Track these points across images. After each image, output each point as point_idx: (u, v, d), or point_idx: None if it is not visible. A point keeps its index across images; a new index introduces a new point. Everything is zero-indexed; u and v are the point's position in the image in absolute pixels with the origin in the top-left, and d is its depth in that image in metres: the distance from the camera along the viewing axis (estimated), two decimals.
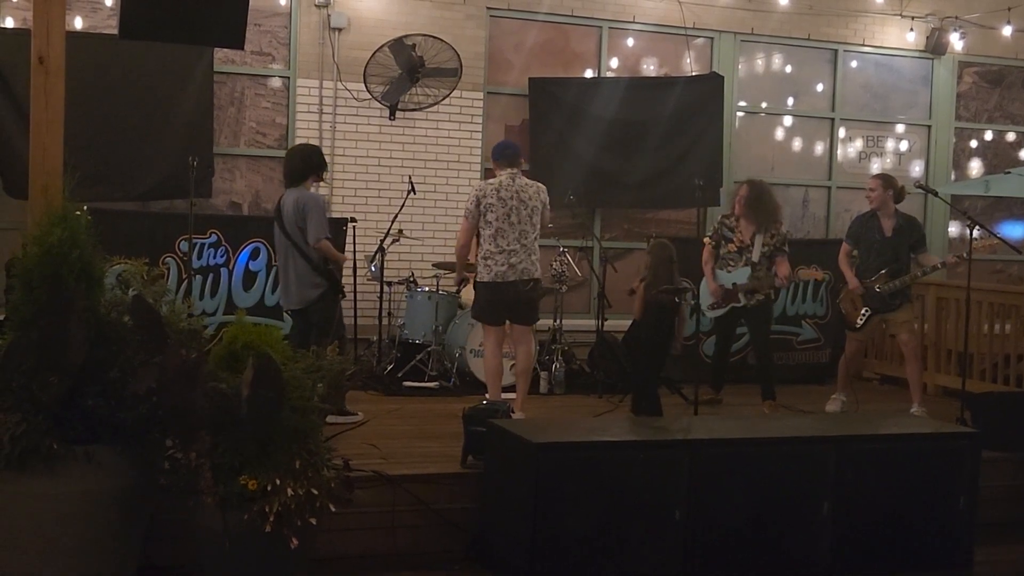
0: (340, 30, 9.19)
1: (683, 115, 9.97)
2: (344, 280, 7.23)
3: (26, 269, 4.59)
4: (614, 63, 10.18)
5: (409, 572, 5.38)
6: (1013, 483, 6.69)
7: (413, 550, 5.48)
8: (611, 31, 10.09)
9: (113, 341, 4.65)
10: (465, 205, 7.04)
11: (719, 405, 8.01)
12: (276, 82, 9.33)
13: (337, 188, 9.26)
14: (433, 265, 8.97)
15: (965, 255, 7.35)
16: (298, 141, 8.89)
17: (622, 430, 6.23)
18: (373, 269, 8.50)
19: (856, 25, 10.72)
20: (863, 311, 7.63)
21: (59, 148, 5.00)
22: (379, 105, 9.26)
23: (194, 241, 7.97)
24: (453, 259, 9.15)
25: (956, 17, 10.75)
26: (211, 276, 8.20)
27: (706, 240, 8.07)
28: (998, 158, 11.52)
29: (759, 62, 10.72)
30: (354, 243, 8.42)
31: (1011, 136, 11.63)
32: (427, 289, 8.73)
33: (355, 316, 8.26)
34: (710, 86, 10.13)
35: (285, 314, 7.27)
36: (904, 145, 11.18)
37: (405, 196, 8.71)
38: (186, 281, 8.01)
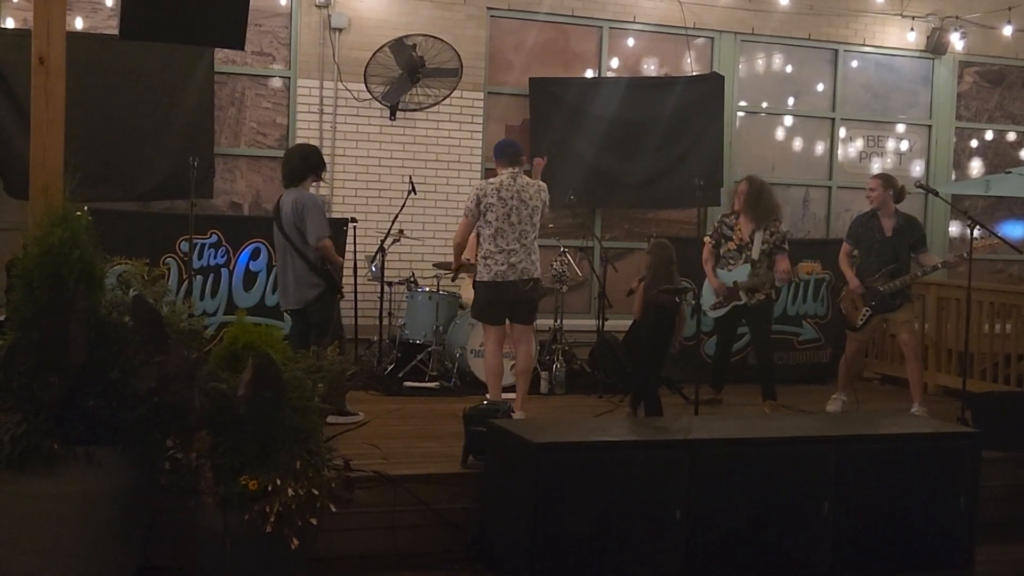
0: (340, 30, 9.20)
1: (683, 115, 9.97)
2: (344, 280, 7.23)
3: (27, 269, 4.59)
4: (614, 63, 10.18)
5: (409, 572, 5.38)
6: (1014, 483, 6.68)
7: (413, 550, 5.48)
8: (611, 31, 10.09)
9: (114, 341, 4.66)
10: (465, 203, 7.04)
11: (719, 405, 8.01)
12: (277, 82, 9.33)
13: (338, 188, 9.26)
14: (434, 265, 8.97)
15: (965, 255, 7.35)
16: (299, 141, 8.88)
17: (622, 430, 6.23)
18: (374, 269, 8.50)
19: (856, 25, 10.72)
20: (864, 311, 7.63)
21: (60, 148, 5.00)
22: (380, 105, 9.27)
23: (195, 241, 7.98)
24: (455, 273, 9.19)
25: (956, 17, 10.75)
26: (212, 276, 8.20)
27: (706, 239, 8.08)
28: (999, 158, 11.52)
29: (759, 62, 10.72)
30: (355, 243, 8.42)
31: (1011, 136, 11.63)
32: (428, 289, 8.73)
33: (356, 316, 8.27)
34: (710, 86, 10.14)
35: (285, 314, 7.27)
36: (905, 145, 11.18)
37: (406, 196, 8.71)
38: (187, 281, 8.01)
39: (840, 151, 10.92)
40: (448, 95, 9.35)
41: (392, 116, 9.30)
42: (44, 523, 4.43)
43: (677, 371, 8.26)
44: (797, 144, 10.86)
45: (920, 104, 11.19)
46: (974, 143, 11.50)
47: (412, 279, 8.89)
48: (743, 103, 10.56)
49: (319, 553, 4.95)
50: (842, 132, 10.92)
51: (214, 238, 8.20)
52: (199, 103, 8.75)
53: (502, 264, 6.80)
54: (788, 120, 10.81)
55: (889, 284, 7.51)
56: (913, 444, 5.84)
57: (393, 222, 8.60)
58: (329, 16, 9.16)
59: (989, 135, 11.51)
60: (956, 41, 10.78)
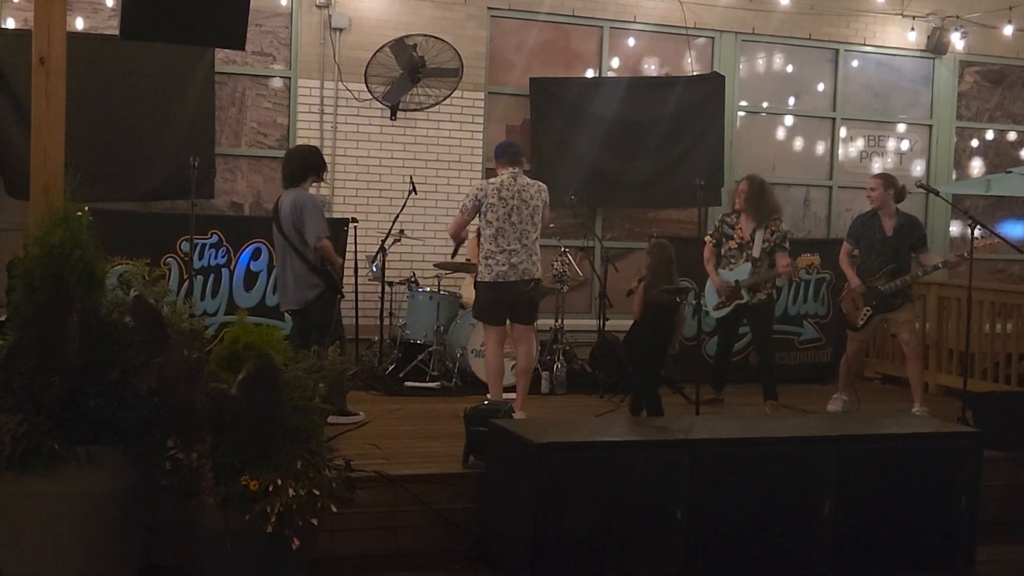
0: (341, 30, 9.20)
1: (684, 115, 9.97)
2: (345, 280, 7.23)
3: (27, 270, 4.59)
4: (615, 63, 10.18)
5: (410, 572, 5.38)
6: (1015, 482, 6.67)
7: (414, 550, 5.48)
8: (612, 31, 10.09)
9: (114, 342, 4.66)
10: (463, 201, 7.01)
11: (720, 405, 8.01)
12: (277, 82, 9.33)
13: (338, 188, 9.27)
14: (434, 265, 8.96)
15: (966, 254, 7.34)
16: (299, 141, 8.90)
17: (623, 430, 6.22)
18: (374, 269, 8.50)
19: (857, 25, 10.72)
20: (864, 311, 7.63)
21: (60, 149, 5.00)
22: (380, 105, 9.27)
23: (195, 241, 7.98)
24: (454, 260, 9.19)
25: (957, 16, 10.75)
26: (212, 276, 8.20)
27: (707, 239, 8.08)
28: (999, 157, 11.52)
29: (760, 62, 10.72)
30: (355, 243, 8.42)
31: (1012, 135, 11.63)
32: (428, 289, 8.73)
33: (356, 316, 8.27)
34: (711, 86, 10.14)
35: (285, 314, 7.27)
36: (905, 145, 11.18)
37: (406, 196, 8.71)
38: (187, 281, 8.02)
39: (841, 151, 10.92)
40: (449, 95, 9.35)
41: (393, 116, 9.30)
42: (45, 523, 4.43)
43: (678, 371, 8.26)
44: (798, 144, 10.86)
45: (921, 104, 11.19)
46: (975, 143, 11.50)
47: (413, 279, 8.89)
48: (744, 103, 10.56)
49: (320, 553, 4.95)
50: (843, 132, 10.92)
51: (215, 238, 8.20)
52: (200, 103, 8.75)
53: (503, 264, 6.80)
54: (789, 120, 10.81)
55: (890, 284, 7.51)
56: (914, 444, 5.84)
57: (394, 222, 8.60)
58: (329, 16, 9.16)
59: (990, 135, 11.51)
60: (957, 41, 10.78)
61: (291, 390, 4.66)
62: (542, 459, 5.03)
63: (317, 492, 4.53)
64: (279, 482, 4.45)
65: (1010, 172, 10.23)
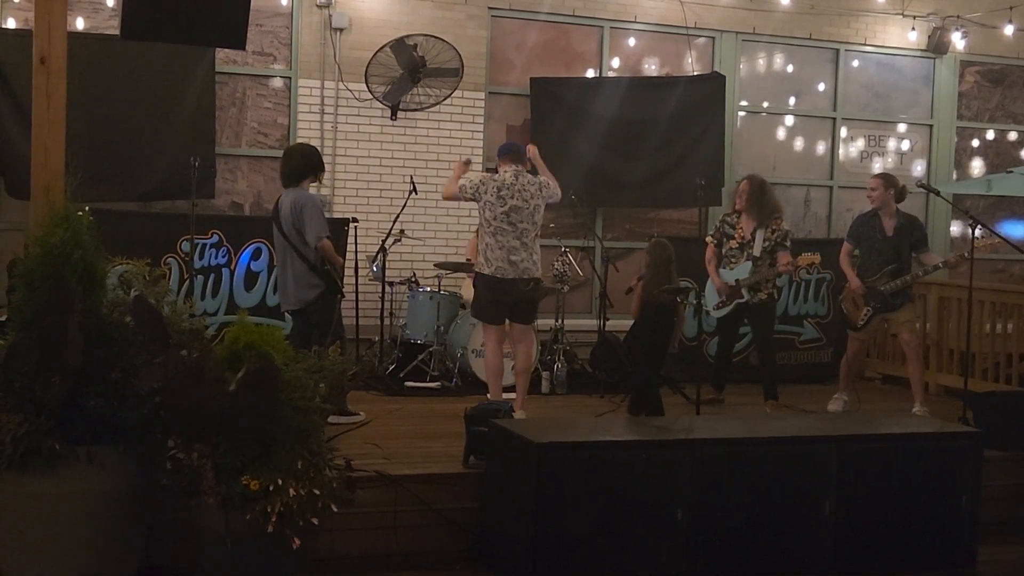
0: (341, 30, 9.20)
1: (684, 115, 9.97)
2: (346, 280, 7.23)
3: (28, 270, 4.60)
4: (615, 63, 10.18)
5: (411, 572, 5.38)
6: (1015, 482, 6.68)
7: (415, 550, 5.48)
8: (612, 31, 10.09)
9: (115, 342, 4.66)
10: (465, 183, 7.00)
11: (721, 405, 8.01)
12: (278, 82, 9.33)
13: (339, 188, 9.27)
14: (435, 265, 8.97)
15: (967, 254, 7.34)
16: (299, 141, 8.88)
17: (624, 430, 6.23)
18: (375, 269, 8.50)
19: (858, 24, 10.72)
20: (865, 311, 7.63)
21: (61, 148, 5.00)
22: (381, 105, 9.27)
23: (196, 241, 7.98)
24: (455, 259, 9.21)
25: (957, 16, 10.75)
26: (213, 276, 8.21)
27: (708, 239, 8.08)
28: (1000, 157, 11.52)
29: (760, 62, 10.72)
30: (355, 243, 8.42)
31: (1013, 135, 11.63)
32: (429, 289, 8.73)
33: (357, 316, 8.27)
34: (711, 86, 10.13)
35: (286, 314, 7.27)
36: (906, 144, 11.18)
37: (407, 196, 8.71)
38: (188, 281, 8.02)
39: (841, 151, 10.92)
40: (449, 95, 9.35)
41: (393, 116, 9.30)
42: (45, 523, 4.43)
43: (679, 371, 8.26)
44: (798, 144, 10.86)
45: (921, 104, 11.19)
46: (975, 143, 11.50)
47: (413, 279, 8.89)
48: (744, 103, 10.56)
49: (320, 553, 4.94)
50: (843, 132, 10.92)
51: (215, 238, 8.21)
52: (200, 103, 8.75)
53: (502, 260, 6.81)
54: (789, 120, 10.81)
55: (890, 284, 7.51)
56: (914, 444, 5.84)
57: (394, 222, 8.60)
58: (330, 16, 9.16)
59: (990, 134, 11.50)
60: (957, 41, 10.78)
61: (291, 390, 4.65)
62: (542, 459, 5.03)
63: (318, 492, 4.53)
64: (280, 482, 4.45)
65: (1011, 172, 10.24)
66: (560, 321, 8.78)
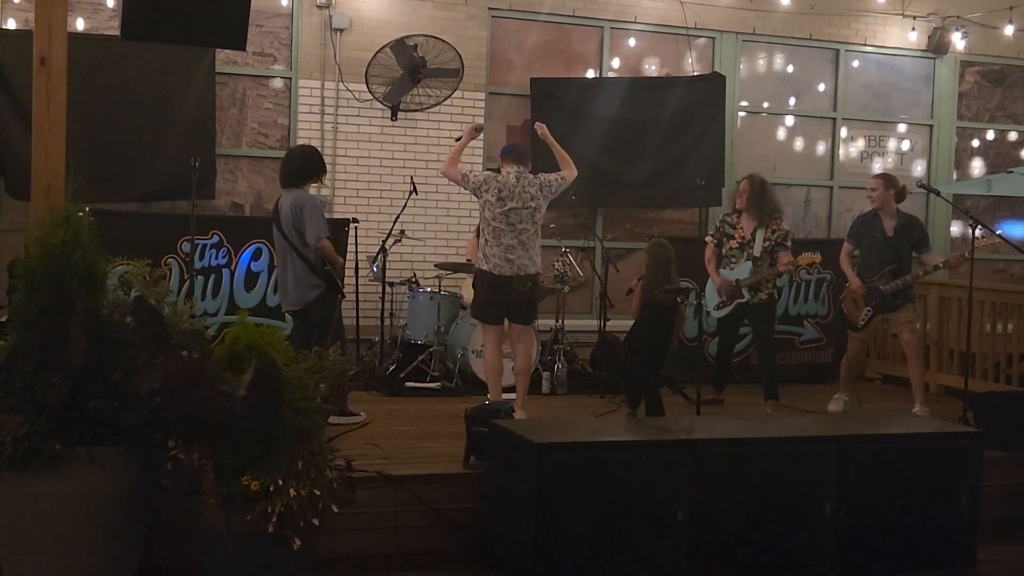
0: (342, 31, 9.20)
1: (685, 115, 9.97)
2: (346, 281, 7.23)
3: (28, 270, 4.60)
4: (615, 63, 10.18)
5: (411, 572, 5.38)
6: (1015, 482, 6.68)
7: (415, 550, 5.48)
8: (613, 31, 10.10)
9: (115, 342, 4.66)
10: (469, 174, 7.00)
11: (721, 405, 8.01)
12: (278, 83, 9.33)
13: (339, 189, 9.27)
14: (435, 266, 8.96)
15: (967, 254, 7.34)
16: (300, 142, 8.90)
17: (624, 430, 6.23)
18: (375, 270, 8.50)
19: (858, 25, 10.72)
20: (865, 311, 7.63)
21: (61, 149, 5.00)
22: (381, 106, 9.27)
23: (196, 242, 7.99)
24: (455, 260, 9.21)
25: (958, 16, 10.75)
26: (213, 277, 8.21)
27: (708, 239, 8.08)
28: (1000, 157, 11.52)
29: (761, 62, 10.72)
30: (356, 244, 8.42)
31: (1013, 135, 11.63)
32: (429, 290, 8.73)
33: (357, 317, 8.27)
34: (712, 86, 10.14)
35: (286, 315, 7.28)
36: (906, 145, 11.18)
37: (407, 197, 8.72)
38: (188, 282, 8.03)
39: (841, 151, 10.92)
40: (449, 95, 9.35)
41: (393, 116, 9.30)
42: (46, 523, 4.43)
43: (679, 371, 8.26)
44: (798, 144, 10.86)
45: (921, 104, 11.19)
46: (975, 143, 11.50)
47: (414, 279, 8.89)
48: (744, 103, 10.56)
49: (321, 553, 4.94)
50: (843, 132, 10.92)
51: (215, 239, 8.21)
52: (200, 104, 8.75)
53: (499, 258, 6.82)
54: (789, 120, 10.81)
55: (890, 284, 7.51)
56: (915, 444, 5.84)
57: (394, 222, 8.61)
58: (330, 16, 9.17)
59: (990, 135, 11.50)
60: (957, 41, 10.78)
61: (292, 391, 4.66)
62: (543, 459, 5.03)
63: (318, 492, 4.53)
64: (280, 482, 4.45)
65: (1011, 172, 10.23)
66: (560, 321, 8.78)
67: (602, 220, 10.15)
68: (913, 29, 10.69)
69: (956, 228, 11.32)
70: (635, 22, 10.06)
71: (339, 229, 8.18)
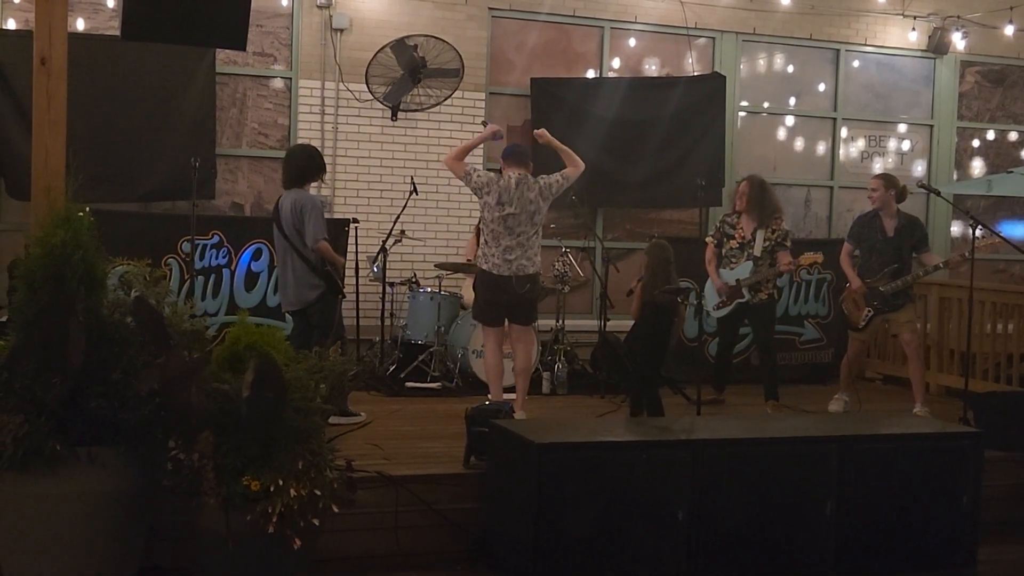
0: (342, 31, 9.20)
1: (685, 115, 9.97)
2: (346, 281, 7.23)
3: (29, 270, 4.60)
4: (616, 63, 10.18)
5: (411, 572, 5.38)
6: (1016, 483, 6.68)
7: (415, 550, 5.48)
8: (613, 31, 10.09)
9: (115, 342, 4.66)
10: (472, 172, 6.97)
11: (722, 405, 8.01)
12: (278, 83, 9.33)
13: (339, 189, 9.27)
14: (435, 266, 8.96)
15: (967, 255, 7.34)
16: (300, 142, 8.88)
17: (624, 430, 6.23)
18: (375, 270, 8.50)
19: (858, 25, 10.72)
20: (866, 311, 7.62)
21: (61, 149, 5.01)
22: (381, 106, 9.27)
23: (196, 242, 7.99)
24: (455, 260, 9.21)
25: (958, 16, 10.74)
26: (213, 277, 8.21)
27: (708, 240, 8.08)
28: (1000, 157, 11.52)
29: (761, 62, 10.72)
30: (356, 244, 8.42)
31: (1013, 136, 11.63)
32: (429, 290, 8.73)
33: (357, 317, 8.27)
34: (712, 86, 10.14)
35: (286, 315, 7.28)
36: (906, 145, 11.18)
37: (407, 197, 8.72)
38: (188, 282, 8.02)
39: (842, 151, 10.92)
40: (449, 95, 9.35)
41: (394, 117, 9.30)
42: (46, 523, 4.43)
43: (680, 371, 8.26)
44: (799, 144, 10.86)
45: (922, 104, 11.19)
46: (976, 143, 11.50)
47: (414, 279, 8.88)
48: (744, 103, 10.56)
49: (321, 554, 4.94)
50: (844, 132, 10.91)
51: (216, 239, 8.21)
52: (201, 104, 8.75)
53: (498, 258, 6.83)
54: (790, 120, 10.80)
55: (891, 284, 7.51)
56: (915, 444, 5.84)
57: (395, 223, 8.61)
58: (330, 17, 9.17)
59: (991, 135, 11.50)
60: (957, 41, 10.78)
61: (292, 391, 4.66)
62: (543, 459, 5.03)
63: (318, 492, 4.53)
64: (280, 482, 4.45)
65: (1011, 172, 10.23)
66: (561, 322, 8.78)
67: (602, 220, 10.15)
68: (913, 29, 10.69)
69: (956, 228, 11.32)
70: (635, 22, 10.06)
71: (339, 229, 8.18)
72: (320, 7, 9.13)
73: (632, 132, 9.86)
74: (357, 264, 8.36)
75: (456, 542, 5.54)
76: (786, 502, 5.45)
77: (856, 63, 10.90)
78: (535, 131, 7.23)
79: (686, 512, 5.22)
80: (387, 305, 8.66)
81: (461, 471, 5.78)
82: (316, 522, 4.53)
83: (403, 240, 8.71)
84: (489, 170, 7.94)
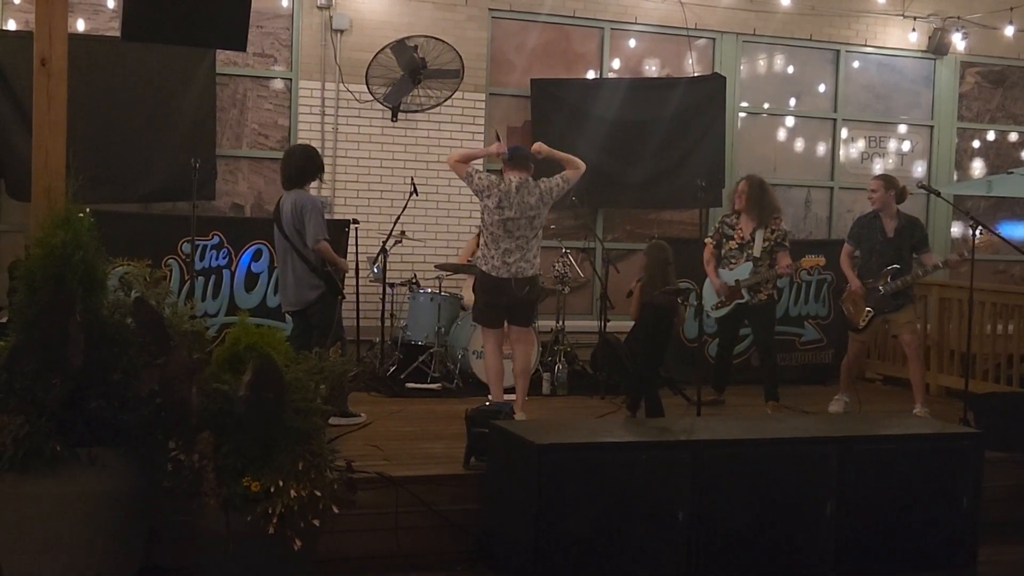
0: (342, 32, 9.20)
1: (685, 116, 9.97)
2: (346, 281, 7.23)
3: (29, 271, 4.60)
4: (616, 64, 10.18)
5: (412, 573, 5.38)
6: (1016, 483, 6.68)
7: (416, 551, 5.48)
8: (613, 32, 10.09)
9: (116, 343, 4.66)
10: (473, 174, 6.95)
11: (722, 406, 8.01)
12: (278, 84, 9.33)
13: (339, 190, 9.27)
14: (435, 266, 8.97)
15: (967, 255, 7.34)
16: (299, 142, 8.88)
17: (625, 431, 6.23)
18: (375, 271, 8.50)
19: (858, 25, 10.72)
20: (866, 312, 7.62)
21: (62, 150, 5.01)
22: (381, 107, 9.27)
23: (196, 243, 7.98)
24: (455, 260, 9.21)
25: (958, 17, 10.74)
26: (213, 278, 8.21)
27: (707, 240, 8.08)
28: (1000, 158, 11.52)
29: (761, 63, 10.72)
30: (356, 244, 8.42)
31: (1013, 136, 11.63)
32: (429, 290, 8.73)
33: (357, 318, 8.27)
34: (712, 87, 10.14)
35: (286, 315, 7.28)
36: (906, 145, 11.18)
37: (407, 198, 8.72)
38: (188, 283, 8.02)
39: (842, 152, 10.92)
40: (450, 96, 9.34)
41: (394, 117, 9.30)
42: (46, 524, 4.43)
43: (680, 372, 8.26)
44: (799, 145, 10.86)
45: (922, 105, 11.19)
46: (976, 143, 11.50)
47: (414, 280, 8.88)
48: (745, 104, 10.56)
49: (321, 554, 4.94)
50: (844, 133, 10.92)
51: (216, 239, 8.21)
52: (201, 105, 8.75)
53: (497, 260, 6.84)
54: (790, 121, 10.81)
55: (891, 285, 7.51)
56: (915, 445, 5.84)
57: (395, 223, 8.61)
58: (331, 17, 9.17)
59: (991, 135, 11.50)
60: (958, 41, 10.78)
61: (292, 392, 4.66)
62: (543, 460, 5.03)
63: (319, 493, 4.53)
64: (281, 483, 4.45)
65: (1011, 173, 10.24)
66: (561, 322, 8.78)
67: (602, 221, 10.15)
68: (913, 30, 10.69)
69: (956, 229, 11.32)
70: (635, 23, 10.06)
71: (339, 230, 8.18)
72: (320, 8, 9.13)
73: (632, 133, 9.86)
74: (357, 265, 8.36)
75: (456, 543, 5.54)
76: (786, 503, 5.45)
77: (856, 64, 10.90)
78: (533, 146, 7.20)
79: (686, 513, 5.23)
80: (387, 306, 8.66)
81: (461, 472, 5.78)
82: (316, 523, 4.54)
83: (403, 241, 8.71)
84: (490, 171, 7.93)
